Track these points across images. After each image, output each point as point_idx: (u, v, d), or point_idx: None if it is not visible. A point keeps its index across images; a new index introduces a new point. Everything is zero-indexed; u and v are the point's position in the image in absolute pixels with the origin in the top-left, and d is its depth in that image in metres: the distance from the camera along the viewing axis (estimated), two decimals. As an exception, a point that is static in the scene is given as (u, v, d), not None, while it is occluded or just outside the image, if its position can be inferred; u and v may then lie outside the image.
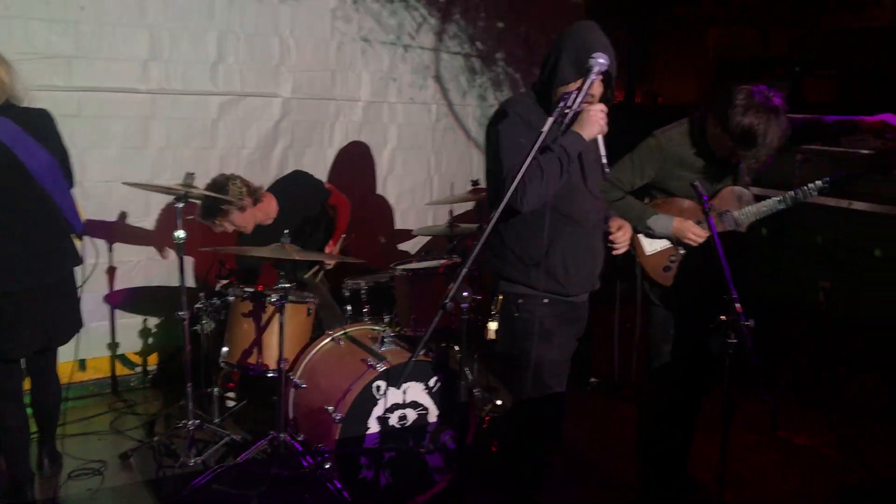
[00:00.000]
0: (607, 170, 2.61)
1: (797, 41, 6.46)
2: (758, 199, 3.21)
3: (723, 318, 2.51)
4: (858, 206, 4.62)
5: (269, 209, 4.12)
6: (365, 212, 5.07)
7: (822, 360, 4.84)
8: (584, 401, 4.63)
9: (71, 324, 3.39)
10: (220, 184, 3.90)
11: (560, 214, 2.76)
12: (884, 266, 4.56)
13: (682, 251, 3.17)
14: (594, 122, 2.62)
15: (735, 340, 2.48)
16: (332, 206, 4.41)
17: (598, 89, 2.65)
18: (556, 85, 2.64)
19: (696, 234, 3.12)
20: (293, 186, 4.29)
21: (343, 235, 4.41)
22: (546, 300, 2.82)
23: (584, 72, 2.48)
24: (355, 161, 5.16)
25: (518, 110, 2.70)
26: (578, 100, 2.43)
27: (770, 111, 2.91)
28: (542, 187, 2.57)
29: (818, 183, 3.13)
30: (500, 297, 2.84)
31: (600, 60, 2.44)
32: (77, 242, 3.39)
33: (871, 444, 4.19)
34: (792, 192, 3.17)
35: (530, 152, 2.34)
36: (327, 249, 4.34)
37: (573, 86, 2.57)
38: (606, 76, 2.64)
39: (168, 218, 4.47)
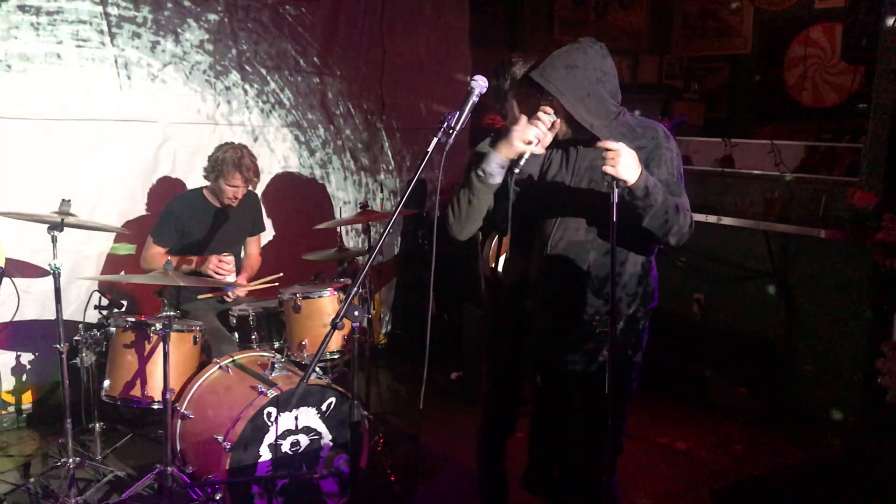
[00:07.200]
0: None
1: (666, 68, 6.88)
2: None
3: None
4: (727, 221, 4.90)
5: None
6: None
7: (697, 368, 5.10)
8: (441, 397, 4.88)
9: None
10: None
11: None
12: (751, 278, 4.86)
13: None
14: (508, 139, 2.53)
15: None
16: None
17: (557, 127, 2.57)
18: None
19: None
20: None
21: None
22: None
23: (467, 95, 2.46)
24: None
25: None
26: (462, 119, 2.45)
27: None
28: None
29: None
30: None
31: (480, 83, 2.49)
32: None
33: (742, 447, 4.44)
34: None
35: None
36: (241, 278, 4.28)
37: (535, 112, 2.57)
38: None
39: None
